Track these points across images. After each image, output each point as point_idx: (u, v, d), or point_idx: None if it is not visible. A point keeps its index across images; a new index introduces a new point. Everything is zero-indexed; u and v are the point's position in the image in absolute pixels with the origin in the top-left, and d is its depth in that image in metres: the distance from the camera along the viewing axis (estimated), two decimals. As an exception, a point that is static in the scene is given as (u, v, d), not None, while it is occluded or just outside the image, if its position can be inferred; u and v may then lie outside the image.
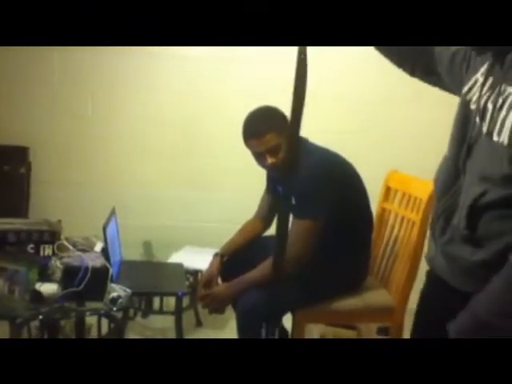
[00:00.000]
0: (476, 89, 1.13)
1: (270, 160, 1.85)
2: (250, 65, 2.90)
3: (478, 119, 1.10)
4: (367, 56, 2.74)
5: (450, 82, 1.28)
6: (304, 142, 1.89)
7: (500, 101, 1.05)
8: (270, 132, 1.82)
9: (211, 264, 2.06)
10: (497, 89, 1.07)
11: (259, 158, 1.89)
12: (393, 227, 2.12)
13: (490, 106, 1.08)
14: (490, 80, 1.10)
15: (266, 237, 2.13)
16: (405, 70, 1.40)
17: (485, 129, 1.08)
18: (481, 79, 1.12)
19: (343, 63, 2.84)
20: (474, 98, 1.12)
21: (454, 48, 1.24)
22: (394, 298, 1.97)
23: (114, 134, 2.98)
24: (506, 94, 1.04)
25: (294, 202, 1.77)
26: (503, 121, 1.03)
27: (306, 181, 1.74)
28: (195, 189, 3.01)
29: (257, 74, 2.90)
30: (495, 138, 1.04)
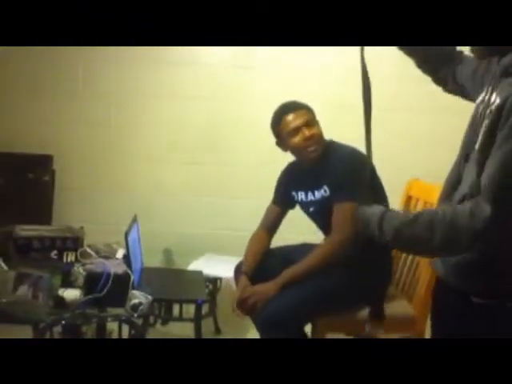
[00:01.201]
0: (482, 99, 1.15)
1: (307, 132, 1.92)
2: (274, 72, 2.92)
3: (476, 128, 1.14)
4: (378, 61, 2.74)
5: (471, 90, 1.28)
6: (330, 141, 2.02)
7: (488, 111, 1.08)
8: (304, 108, 1.96)
9: (240, 284, 2.00)
10: (489, 97, 1.10)
11: (294, 134, 1.93)
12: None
13: (482, 115, 1.12)
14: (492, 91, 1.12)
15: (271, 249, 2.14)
16: (429, 71, 1.41)
17: (478, 137, 1.11)
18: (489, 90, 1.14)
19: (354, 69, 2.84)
20: (480, 109, 1.14)
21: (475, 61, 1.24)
22: (414, 308, 1.95)
23: (136, 142, 3.02)
24: (493, 103, 1.07)
25: (329, 190, 1.93)
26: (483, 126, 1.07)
27: (343, 167, 1.90)
28: (216, 196, 3.02)
29: (281, 81, 2.91)
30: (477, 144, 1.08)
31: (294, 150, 1.99)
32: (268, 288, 1.87)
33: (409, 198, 2.19)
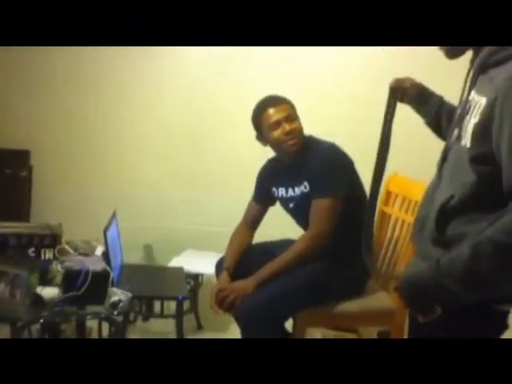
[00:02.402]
0: (460, 99, 1.16)
1: (288, 126, 1.93)
2: (253, 64, 2.90)
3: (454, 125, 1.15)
4: (369, 58, 2.75)
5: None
6: (310, 136, 2.02)
7: (467, 107, 1.09)
8: (286, 103, 1.97)
9: (220, 280, 1.99)
10: (467, 95, 1.11)
11: (275, 128, 1.94)
12: (393, 231, 2.12)
13: (460, 112, 1.12)
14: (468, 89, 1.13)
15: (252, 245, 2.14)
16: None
17: (456, 134, 1.13)
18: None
19: (346, 65, 2.85)
20: (459, 109, 1.15)
21: None
22: (394, 301, 1.96)
23: (116, 137, 2.98)
24: (472, 100, 1.08)
25: (309, 186, 1.94)
26: (467, 125, 1.07)
27: (323, 163, 1.91)
28: (197, 191, 3.00)
29: (261, 73, 2.89)
30: (462, 141, 1.08)
31: (274, 144, 1.98)
32: (246, 285, 1.87)
33: (388, 194, 2.20)
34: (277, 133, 1.94)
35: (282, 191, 2.05)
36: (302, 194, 1.97)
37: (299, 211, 2.03)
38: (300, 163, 1.97)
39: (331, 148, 1.97)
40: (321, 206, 1.90)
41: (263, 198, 2.14)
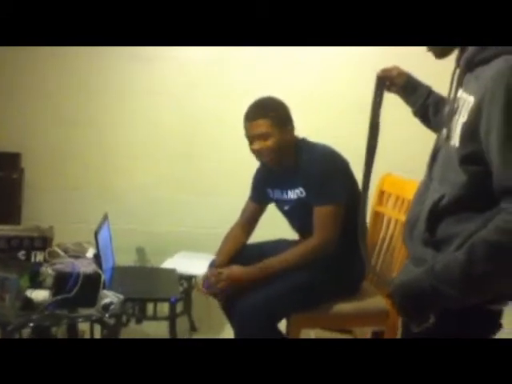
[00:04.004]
0: (448, 97, 1.16)
1: (255, 145, 1.91)
2: (247, 67, 2.90)
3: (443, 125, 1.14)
4: (362, 58, 2.75)
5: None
6: (302, 139, 1.99)
7: (455, 106, 1.08)
8: (262, 118, 1.89)
9: (211, 269, 2.00)
10: (454, 94, 1.11)
11: (250, 142, 1.94)
12: (387, 231, 2.12)
13: (449, 111, 1.12)
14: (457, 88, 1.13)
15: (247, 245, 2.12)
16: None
17: (445, 133, 1.12)
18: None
19: (339, 66, 2.85)
20: (447, 108, 1.15)
21: None
22: (388, 302, 1.96)
23: (108, 139, 2.97)
24: (460, 98, 1.08)
25: (305, 191, 1.92)
26: (456, 124, 1.06)
27: (319, 169, 1.87)
28: (189, 194, 2.99)
29: (254, 75, 2.88)
30: (451, 141, 1.08)
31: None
32: (240, 273, 1.87)
33: (381, 193, 2.20)
34: (251, 147, 1.94)
35: (277, 193, 2.04)
36: (298, 198, 1.95)
37: (294, 214, 2.02)
38: (294, 167, 1.95)
39: (326, 152, 1.94)
40: (324, 213, 1.88)
41: (259, 197, 2.12)
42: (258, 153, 1.93)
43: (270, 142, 1.89)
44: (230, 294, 1.89)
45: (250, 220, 2.14)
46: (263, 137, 1.89)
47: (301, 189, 1.94)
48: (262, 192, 2.10)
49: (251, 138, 1.92)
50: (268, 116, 1.89)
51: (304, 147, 1.96)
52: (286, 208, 2.03)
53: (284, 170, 1.98)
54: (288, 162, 1.95)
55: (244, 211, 2.15)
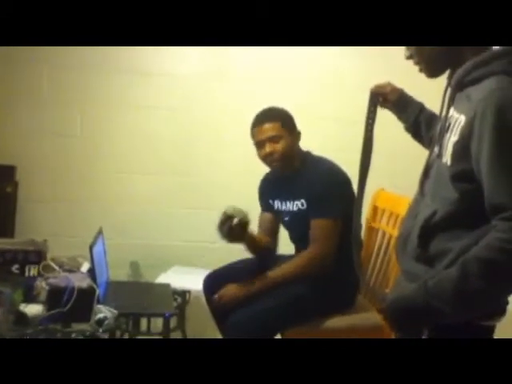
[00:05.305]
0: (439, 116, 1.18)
1: (268, 148, 1.93)
2: (243, 80, 2.92)
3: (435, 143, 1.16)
4: (346, 72, 2.76)
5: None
6: (309, 153, 2.03)
7: (447, 124, 1.10)
8: (272, 121, 1.94)
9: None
10: (446, 112, 1.13)
11: (259, 147, 1.96)
12: (380, 246, 2.13)
13: (440, 129, 1.14)
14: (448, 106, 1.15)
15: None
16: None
17: (436, 151, 1.14)
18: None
19: (337, 81, 2.88)
20: (439, 126, 1.17)
21: None
22: (381, 317, 1.96)
23: (102, 153, 2.97)
24: (451, 117, 1.10)
25: (307, 204, 1.94)
26: (447, 142, 1.08)
27: (324, 184, 1.91)
28: (184, 208, 2.99)
29: (250, 90, 2.90)
30: (443, 159, 1.10)
31: (262, 161, 2.00)
32: (237, 290, 1.89)
33: (375, 209, 2.21)
34: (260, 152, 1.97)
35: (278, 204, 2.06)
36: (299, 210, 1.97)
37: (293, 226, 2.04)
38: (297, 179, 1.97)
39: (331, 168, 1.97)
40: (321, 226, 1.90)
41: (268, 207, 2.13)
42: (269, 156, 1.94)
43: (280, 145, 1.94)
44: (222, 310, 1.90)
45: (267, 231, 2.12)
46: (274, 139, 1.93)
47: (302, 200, 1.96)
48: (267, 202, 2.12)
49: (261, 143, 1.94)
50: (277, 119, 1.95)
51: (309, 159, 2.00)
52: (286, 219, 2.05)
53: (286, 180, 2.00)
54: (292, 171, 1.97)
55: (260, 223, 2.14)
